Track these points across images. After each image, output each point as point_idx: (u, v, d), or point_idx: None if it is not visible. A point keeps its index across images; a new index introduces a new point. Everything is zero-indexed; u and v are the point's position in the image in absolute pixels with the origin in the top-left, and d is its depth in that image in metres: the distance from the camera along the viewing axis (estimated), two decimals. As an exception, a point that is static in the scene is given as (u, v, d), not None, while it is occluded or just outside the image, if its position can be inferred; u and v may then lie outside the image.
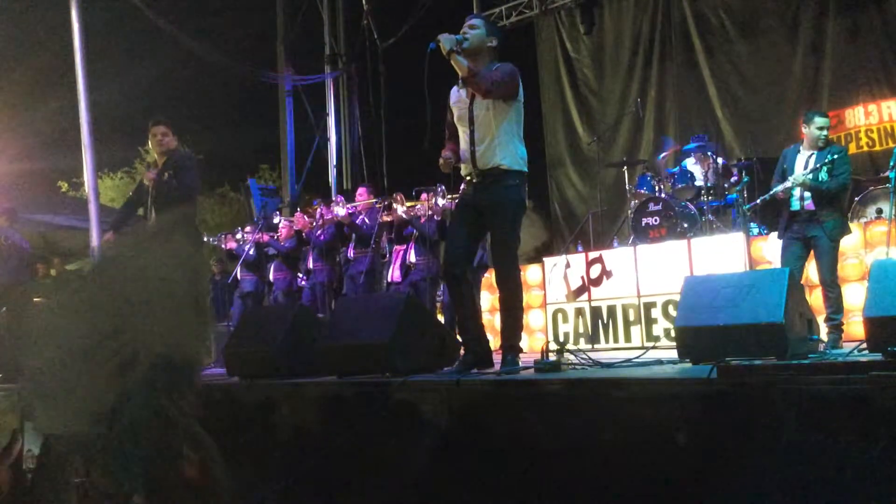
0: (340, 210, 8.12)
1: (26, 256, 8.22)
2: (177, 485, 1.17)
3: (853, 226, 6.55)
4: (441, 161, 4.57)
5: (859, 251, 6.41)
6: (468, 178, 4.52)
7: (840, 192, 5.74)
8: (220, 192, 19.93)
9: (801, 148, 5.73)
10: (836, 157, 5.59)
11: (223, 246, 9.82)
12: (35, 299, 8.72)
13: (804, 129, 5.70)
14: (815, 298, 5.76)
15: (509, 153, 4.41)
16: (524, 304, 8.06)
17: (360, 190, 8.63)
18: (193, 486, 1.18)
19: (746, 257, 6.54)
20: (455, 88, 4.57)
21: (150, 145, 6.07)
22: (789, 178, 5.61)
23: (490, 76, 4.34)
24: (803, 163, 5.65)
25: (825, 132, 5.64)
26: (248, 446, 4.28)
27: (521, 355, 4.48)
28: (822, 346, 4.69)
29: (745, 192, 7.55)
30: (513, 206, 4.46)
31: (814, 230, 5.49)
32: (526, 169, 4.53)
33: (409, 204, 7.55)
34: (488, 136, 4.40)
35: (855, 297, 6.08)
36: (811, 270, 5.83)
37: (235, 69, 13.43)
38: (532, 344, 7.91)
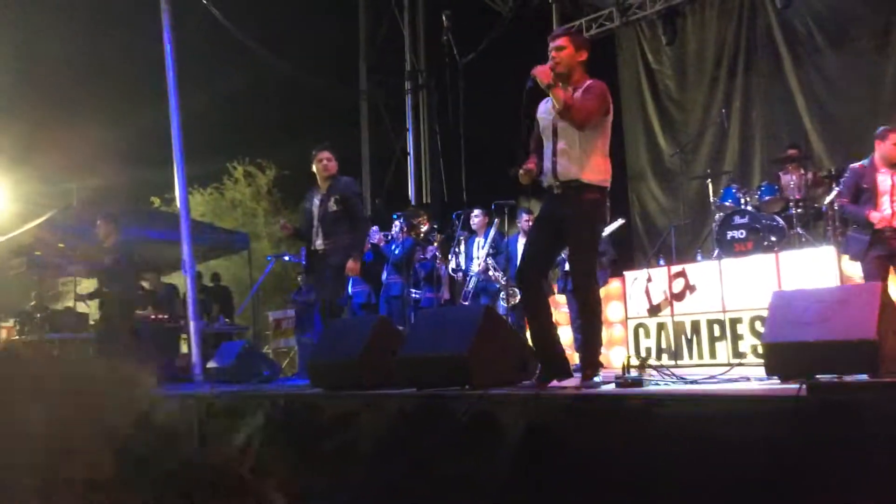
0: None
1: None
2: None
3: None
4: (521, 171, 4.57)
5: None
6: (548, 188, 4.51)
7: None
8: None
9: (878, 166, 5.54)
10: None
11: (303, 262, 10.05)
12: (138, 311, 9.07)
13: (879, 146, 5.52)
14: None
15: (591, 167, 4.38)
16: (604, 318, 8.03)
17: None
18: None
19: (837, 272, 6.33)
20: (545, 100, 4.56)
21: (315, 170, 6.41)
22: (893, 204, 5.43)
23: (584, 108, 4.27)
24: (889, 181, 5.47)
25: None
26: (329, 456, 4.34)
27: (601, 370, 4.44)
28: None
29: (835, 205, 7.31)
30: (591, 220, 4.42)
31: None
32: (608, 185, 4.47)
33: None
34: (571, 148, 4.38)
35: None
36: None
37: (318, 86, 13.74)
38: (613, 359, 7.81)
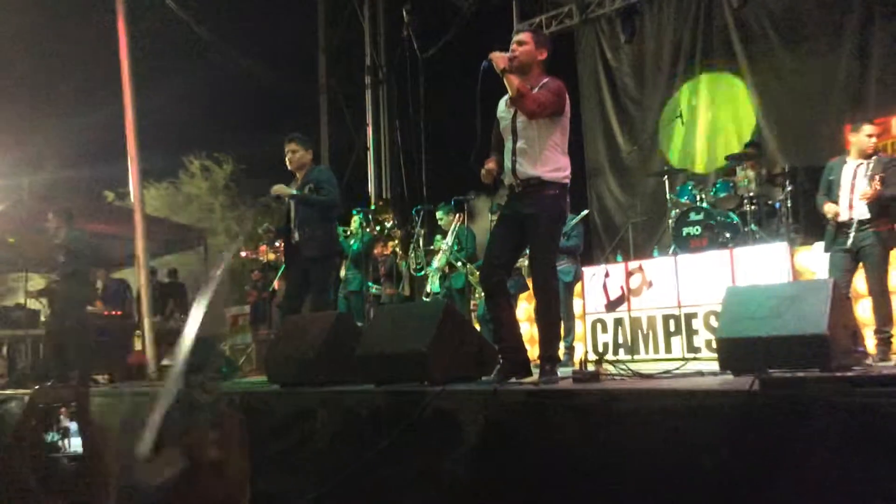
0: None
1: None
2: (201, 464, 1.18)
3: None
4: (483, 171, 4.61)
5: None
6: (509, 187, 4.54)
7: None
8: (264, 202, 20.14)
9: (847, 158, 5.65)
10: (890, 164, 5.52)
11: (262, 258, 9.97)
12: (89, 308, 8.88)
13: (852, 138, 5.64)
14: (863, 311, 5.65)
15: (550, 165, 4.42)
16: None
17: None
18: (214, 465, 1.19)
19: (790, 268, 6.44)
20: (504, 99, 4.59)
21: (287, 161, 6.32)
22: (851, 196, 5.53)
23: (537, 98, 4.34)
24: (851, 173, 5.57)
25: (874, 139, 5.57)
26: (286, 453, 4.31)
27: (559, 365, 4.46)
28: (868, 359, 4.60)
29: (788, 202, 7.44)
30: (551, 216, 4.45)
31: (866, 240, 5.40)
32: (567, 181, 4.52)
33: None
34: (530, 147, 4.42)
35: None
36: (856, 281, 5.73)
37: (277, 79, 13.61)
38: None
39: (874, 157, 5.59)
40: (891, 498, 2.42)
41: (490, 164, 4.61)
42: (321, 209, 6.15)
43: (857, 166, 5.57)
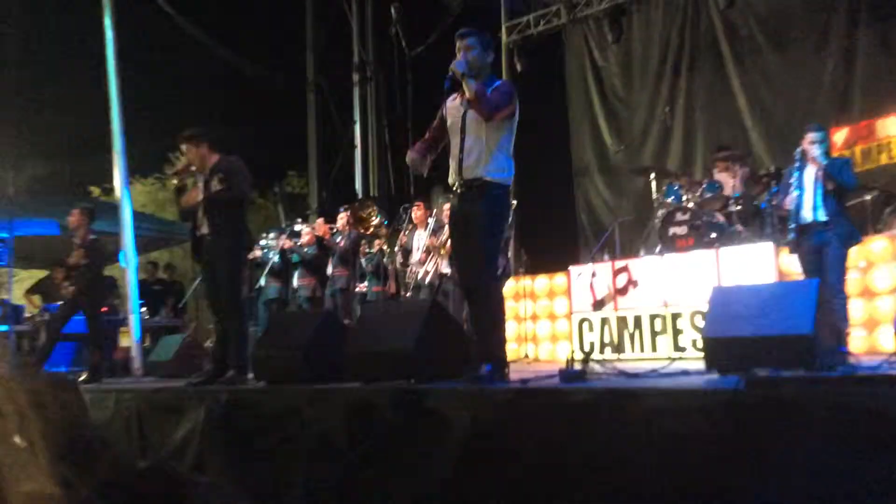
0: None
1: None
2: None
3: (883, 238, 6.50)
4: (408, 158, 4.66)
5: (889, 263, 6.33)
6: (453, 186, 4.55)
7: (851, 193, 5.85)
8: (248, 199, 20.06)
9: (807, 165, 5.76)
10: (842, 164, 5.76)
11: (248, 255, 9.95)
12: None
13: (803, 144, 5.77)
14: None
15: (494, 165, 4.44)
16: (549, 313, 8.07)
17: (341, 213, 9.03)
18: None
19: (775, 268, 6.48)
20: (451, 97, 4.61)
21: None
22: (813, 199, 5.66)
23: (493, 101, 4.37)
24: (812, 177, 5.69)
25: (816, 146, 5.70)
26: (272, 451, 4.30)
27: (540, 364, 4.46)
28: (852, 359, 4.64)
29: (773, 202, 7.47)
30: (493, 216, 4.46)
31: (826, 237, 5.53)
32: (510, 182, 4.55)
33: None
34: (477, 146, 4.44)
35: (885, 308, 6.01)
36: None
37: (264, 75, 13.57)
38: (557, 353, 7.88)
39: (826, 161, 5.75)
40: (874, 495, 2.44)
41: (414, 153, 4.64)
42: (226, 202, 5.84)
43: (817, 171, 5.70)
